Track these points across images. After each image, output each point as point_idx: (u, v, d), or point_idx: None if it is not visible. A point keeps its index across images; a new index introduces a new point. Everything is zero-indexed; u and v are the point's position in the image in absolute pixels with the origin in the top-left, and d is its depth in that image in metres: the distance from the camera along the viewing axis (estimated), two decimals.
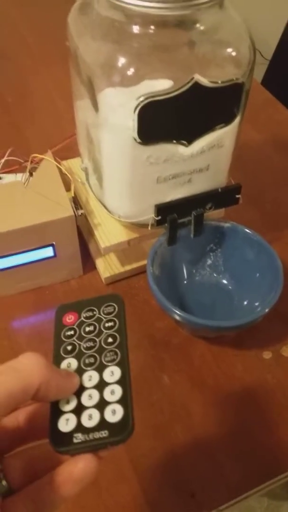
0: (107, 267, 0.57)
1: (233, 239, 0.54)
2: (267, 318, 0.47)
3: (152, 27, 0.38)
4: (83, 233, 0.59)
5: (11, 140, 0.73)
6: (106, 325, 0.31)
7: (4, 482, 0.26)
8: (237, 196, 0.51)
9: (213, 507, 0.42)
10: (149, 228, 0.49)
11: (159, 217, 0.48)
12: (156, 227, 0.49)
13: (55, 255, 0.53)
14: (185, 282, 0.55)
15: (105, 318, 0.31)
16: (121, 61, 0.38)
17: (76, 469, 0.25)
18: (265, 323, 0.48)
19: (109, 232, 0.52)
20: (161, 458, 0.45)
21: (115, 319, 0.31)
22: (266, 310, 0.46)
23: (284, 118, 0.82)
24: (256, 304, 0.50)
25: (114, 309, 0.31)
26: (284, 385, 0.49)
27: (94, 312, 0.31)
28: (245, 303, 0.52)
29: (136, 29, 0.38)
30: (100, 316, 0.31)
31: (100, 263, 0.57)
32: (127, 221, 0.50)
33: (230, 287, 0.55)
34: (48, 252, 0.52)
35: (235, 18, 0.42)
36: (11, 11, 1.05)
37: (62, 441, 0.26)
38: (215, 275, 0.56)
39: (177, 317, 0.46)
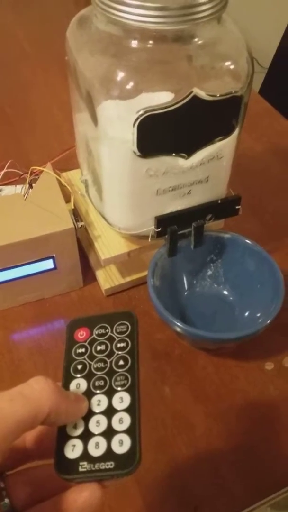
0: (108, 278, 0.57)
1: (234, 250, 0.54)
2: (269, 329, 0.47)
3: (151, 41, 0.38)
4: (83, 245, 0.59)
5: (10, 152, 0.73)
6: (118, 345, 0.30)
7: (6, 500, 0.26)
8: (237, 207, 0.51)
9: None
10: (149, 239, 0.49)
11: (159, 229, 0.48)
12: (156, 238, 0.49)
13: (55, 268, 0.53)
14: (185, 293, 0.55)
15: (117, 337, 0.30)
16: (120, 75, 0.38)
17: (80, 498, 0.25)
18: (267, 334, 0.48)
19: (109, 244, 0.52)
20: (164, 471, 0.44)
21: (127, 339, 0.30)
22: (268, 322, 0.46)
23: (283, 127, 0.83)
24: (258, 315, 0.50)
25: (127, 328, 0.30)
26: (286, 396, 0.49)
27: (107, 330, 0.31)
28: (246, 314, 0.52)
29: (134, 43, 0.39)
30: (112, 334, 0.30)
31: (100, 274, 0.57)
32: (127, 233, 0.50)
33: (231, 298, 0.55)
34: (48, 264, 0.52)
35: (233, 31, 0.42)
36: (12, 23, 1.06)
37: (68, 468, 0.26)
38: (215, 286, 0.56)
39: (178, 329, 0.46)
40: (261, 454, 0.45)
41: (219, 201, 0.49)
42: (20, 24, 1.06)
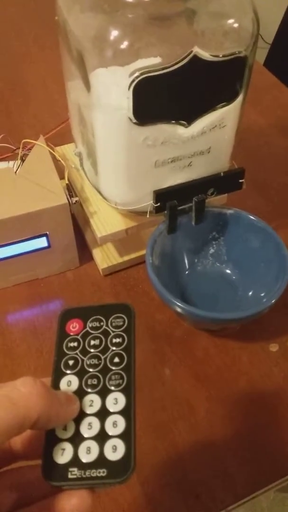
0: (105, 257, 0.54)
1: (237, 227, 0.51)
2: (274, 309, 0.44)
3: None
4: (79, 222, 0.57)
5: (3, 126, 0.71)
6: (114, 340, 0.28)
7: None
8: (241, 180, 0.48)
9: (218, 508, 0.40)
10: (148, 215, 0.47)
11: (158, 204, 0.45)
12: (155, 214, 0.47)
13: (49, 246, 0.51)
14: (186, 272, 0.53)
15: (112, 332, 0.28)
16: (113, 33, 0.35)
17: (68, 505, 0.23)
18: (271, 314, 0.46)
19: (105, 221, 0.50)
20: (164, 457, 0.43)
21: (123, 334, 0.28)
22: (273, 301, 0.43)
23: None
24: (262, 294, 0.47)
25: (124, 322, 0.28)
26: None
27: (102, 323, 0.28)
28: (250, 293, 0.49)
29: None
30: (107, 328, 0.28)
31: (97, 253, 0.55)
32: (124, 208, 0.47)
33: (234, 277, 0.52)
34: (42, 242, 0.50)
35: None
36: None
37: (56, 474, 0.24)
38: (218, 264, 0.53)
39: (179, 310, 0.44)
40: (264, 439, 0.44)
41: (222, 174, 0.47)
42: None
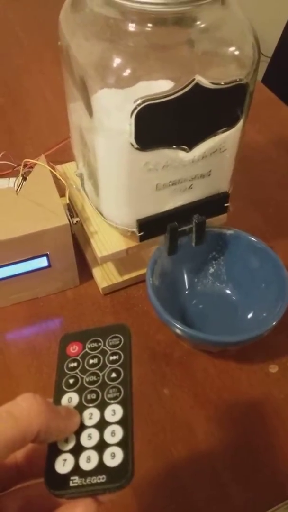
0: (105, 276, 0.54)
1: (236, 247, 0.51)
2: (273, 330, 0.45)
3: (149, 24, 0.36)
4: (79, 240, 0.57)
5: (3, 143, 0.71)
6: (111, 358, 0.29)
7: None
8: (226, 205, 0.48)
9: None
10: None
11: (142, 233, 0.45)
12: (140, 242, 0.47)
13: (49, 265, 0.51)
14: (186, 292, 0.53)
15: (110, 350, 0.30)
16: (116, 61, 0.36)
17: None
18: (271, 335, 0.46)
19: (106, 241, 0.50)
20: (163, 479, 0.42)
21: (120, 352, 0.30)
22: (273, 324, 0.43)
23: (287, 117, 0.80)
24: (262, 316, 0.47)
25: (120, 341, 0.30)
26: None
27: (99, 344, 0.30)
28: (250, 315, 0.50)
29: (132, 27, 0.36)
30: (105, 348, 0.30)
31: (97, 272, 0.55)
32: (125, 229, 0.48)
33: (234, 298, 0.52)
34: (42, 262, 0.50)
35: (238, 15, 0.40)
36: (5, 9, 1.02)
37: (58, 483, 0.25)
38: (218, 284, 0.53)
39: (178, 331, 0.44)
40: (265, 462, 0.43)
41: (205, 199, 0.47)
42: (13, 9, 1.02)
